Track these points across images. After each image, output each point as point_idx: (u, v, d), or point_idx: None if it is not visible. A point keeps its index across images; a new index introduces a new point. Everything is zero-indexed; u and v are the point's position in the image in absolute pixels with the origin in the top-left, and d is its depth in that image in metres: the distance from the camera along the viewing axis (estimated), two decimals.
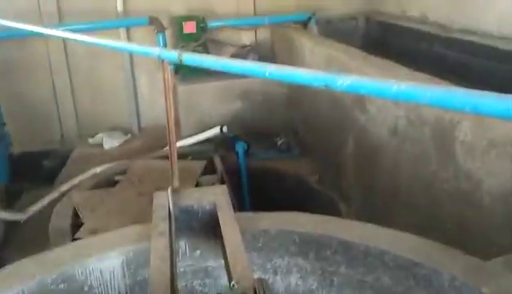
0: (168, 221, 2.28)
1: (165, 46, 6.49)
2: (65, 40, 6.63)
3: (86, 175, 5.04)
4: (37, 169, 6.34)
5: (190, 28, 6.38)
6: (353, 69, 4.18)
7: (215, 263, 2.41)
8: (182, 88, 6.20)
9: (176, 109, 6.04)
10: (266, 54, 7.04)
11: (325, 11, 7.18)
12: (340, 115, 4.52)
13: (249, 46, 7.03)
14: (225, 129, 5.81)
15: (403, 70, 3.74)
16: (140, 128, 7.11)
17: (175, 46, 6.59)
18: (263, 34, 7.21)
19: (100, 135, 6.55)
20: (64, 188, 4.86)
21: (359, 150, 4.22)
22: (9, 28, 5.21)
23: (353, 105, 4.18)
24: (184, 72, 6.24)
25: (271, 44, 7.19)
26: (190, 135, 5.88)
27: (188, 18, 6.48)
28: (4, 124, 6.15)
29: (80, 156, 6.22)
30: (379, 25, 7.00)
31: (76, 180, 5.00)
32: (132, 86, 6.99)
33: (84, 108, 6.97)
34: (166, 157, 5.18)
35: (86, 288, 2.25)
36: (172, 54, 2.28)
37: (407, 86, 1.31)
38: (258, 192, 5.44)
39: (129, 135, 6.77)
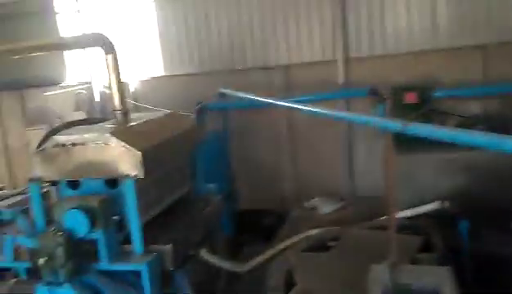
0: None
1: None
2: (290, 111, 7.25)
3: (301, 237, 5.21)
4: (257, 226, 6.87)
5: (411, 98, 6.26)
6: None
7: None
8: (400, 159, 6.03)
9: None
10: (495, 126, 6.40)
11: None
12: None
13: (476, 117, 6.51)
14: (446, 204, 5.37)
15: None
16: (354, 196, 7.14)
17: (393, 117, 6.54)
18: (493, 105, 6.61)
19: (315, 200, 6.78)
20: (280, 246, 5.10)
21: None
22: (246, 100, 6.00)
23: None
24: (401, 142, 6.09)
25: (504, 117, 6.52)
26: (405, 208, 5.61)
27: (410, 88, 6.39)
28: (234, 182, 6.89)
29: (296, 218, 6.50)
30: None
31: (292, 241, 5.20)
32: (347, 155, 7.14)
33: (303, 173, 7.38)
34: (379, 228, 5.03)
35: None
36: (396, 124, 2.25)
37: None
38: (483, 280, 4.80)
39: (344, 203, 6.84)
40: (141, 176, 3.58)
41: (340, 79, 6.96)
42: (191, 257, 4.37)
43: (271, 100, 4.98)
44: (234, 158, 7.08)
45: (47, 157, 3.77)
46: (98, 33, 4.28)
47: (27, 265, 3.71)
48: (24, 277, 3.76)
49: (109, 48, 4.11)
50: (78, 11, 8.55)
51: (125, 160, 3.59)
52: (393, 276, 2.22)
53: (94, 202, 3.48)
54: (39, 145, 3.97)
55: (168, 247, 3.70)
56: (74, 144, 3.70)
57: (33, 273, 3.62)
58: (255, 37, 7.32)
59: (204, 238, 4.52)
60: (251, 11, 7.26)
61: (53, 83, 9.06)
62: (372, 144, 6.97)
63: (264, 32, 7.27)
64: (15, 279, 3.69)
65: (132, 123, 4.20)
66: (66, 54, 8.87)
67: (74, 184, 3.87)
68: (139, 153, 3.56)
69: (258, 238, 6.42)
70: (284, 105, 4.76)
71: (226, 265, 4.49)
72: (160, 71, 8.13)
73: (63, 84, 8.98)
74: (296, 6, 7.09)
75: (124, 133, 3.78)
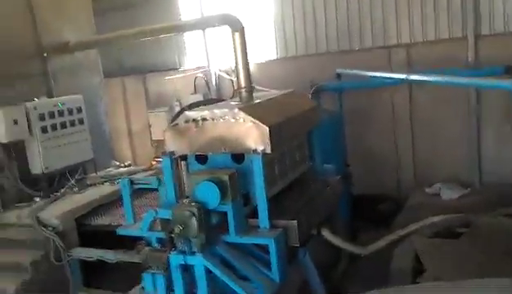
0: None
1: None
2: (410, 92, 6.89)
3: (425, 223, 4.93)
4: (373, 211, 6.65)
5: None
6: None
7: None
8: None
9: None
10: None
11: None
12: None
13: None
14: None
15: None
16: (481, 183, 6.62)
17: None
18: None
19: (437, 185, 6.40)
20: (403, 232, 4.86)
21: None
22: (361, 80, 5.79)
23: None
24: None
25: None
26: None
27: None
28: (348, 165, 6.71)
29: (417, 203, 6.19)
30: None
31: (415, 226, 4.94)
32: (475, 139, 6.61)
33: (422, 157, 6.99)
34: None
35: None
36: None
37: None
38: None
39: (469, 189, 6.37)
40: (269, 151, 3.60)
41: (470, 58, 6.42)
42: (313, 237, 4.34)
43: (392, 75, 4.75)
44: (349, 140, 6.90)
45: (179, 132, 3.95)
46: (225, 13, 4.38)
47: (159, 234, 3.91)
48: (155, 246, 3.97)
49: (237, 26, 4.18)
50: None
51: (253, 135, 3.64)
52: None
53: (224, 176, 3.57)
54: (172, 121, 4.17)
55: (294, 223, 3.70)
56: (204, 119, 3.83)
57: (165, 243, 3.82)
58: (374, 16, 7.01)
59: (324, 218, 4.46)
60: None
61: (172, 68, 9.54)
62: (502, 128, 6.40)
63: (385, 10, 6.93)
64: (149, 248, 3.90)
65: (257, 101, 4.26)
66: (185, 40, 9.27)
67: (202, 159, 4.02)
68: (267, 128, 3.58)
69: (374, 224, 6.22)
70: (406, 79, 4.49)
71: (348, 246, 4.39)
72: (275, 54, 8.17)
73: (181, 69, 9.41)
74: None
75: (252, 109, 3.83)
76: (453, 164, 6.81)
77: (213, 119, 3.79)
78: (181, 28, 5.63)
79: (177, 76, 9.27)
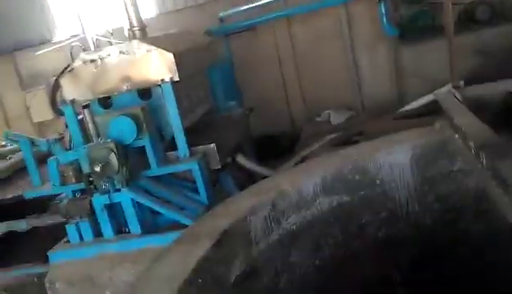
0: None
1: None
2: (289, 28, 7.24)
3: (325, 140, 5.35)
4: (273, 148, 6.93)
5: None
6: None
7: None
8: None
9: None
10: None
11: None
12: None
13: None
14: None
15: None
16: (363, 105, 7.24)
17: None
18: None
19: (327, 112, 6.84)
20: (308, 151, 5.24)
21: None
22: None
23: None
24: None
25: None
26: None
27: None
28: (251, 110, 6.84)
29: (311, 132, 6.55)
30: None
31: (315, 146, 5.34)
32: (353, 65, 7.18)
33: (309, 89, 7.41)
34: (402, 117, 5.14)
35: (377, 182, 2.40)
36: None
37: None
38: None
39: (353, 112, 6.93)
40: (177, 78, 3.63)
41: None
42: (228, 165, 4.48)
43: None
44: (241, 84, 7.11)
45: (78, 76, 3.80)
46: None
47: (74, 187, 3.78)
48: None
49: None
50: None
51: (158, 65, 3.63)
52: (462, 92, 2.33)
53: (137, 110, 3.53)
54: (66, 68, 3.96)
55: (213, 146, 3.80)
56: (102, 58, 3.72)
57: (83, 193, 3.72)
58: None
59: (235, 147, 4.61)
60: None
61: (43, 42, 8.89)
62: (375, 53, 7.06)
63: None
64: (67, 199, 3.75)
65: (153, 35, 4.23)
66: (53, 10, 8.69)
67: (105, 103, 3.92)
68: (171, 54, 3.59)
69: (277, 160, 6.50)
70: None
71: (262, 169, 4.61)
72: (154, 10, 8.04)
73: (54, 40, 8.81)
74: None
75: (152, 41, 3.80)
76: (338, 91, 7.31)
77: (112, 56, 3.70)
78: None
79: (51, 49, 8.64)
